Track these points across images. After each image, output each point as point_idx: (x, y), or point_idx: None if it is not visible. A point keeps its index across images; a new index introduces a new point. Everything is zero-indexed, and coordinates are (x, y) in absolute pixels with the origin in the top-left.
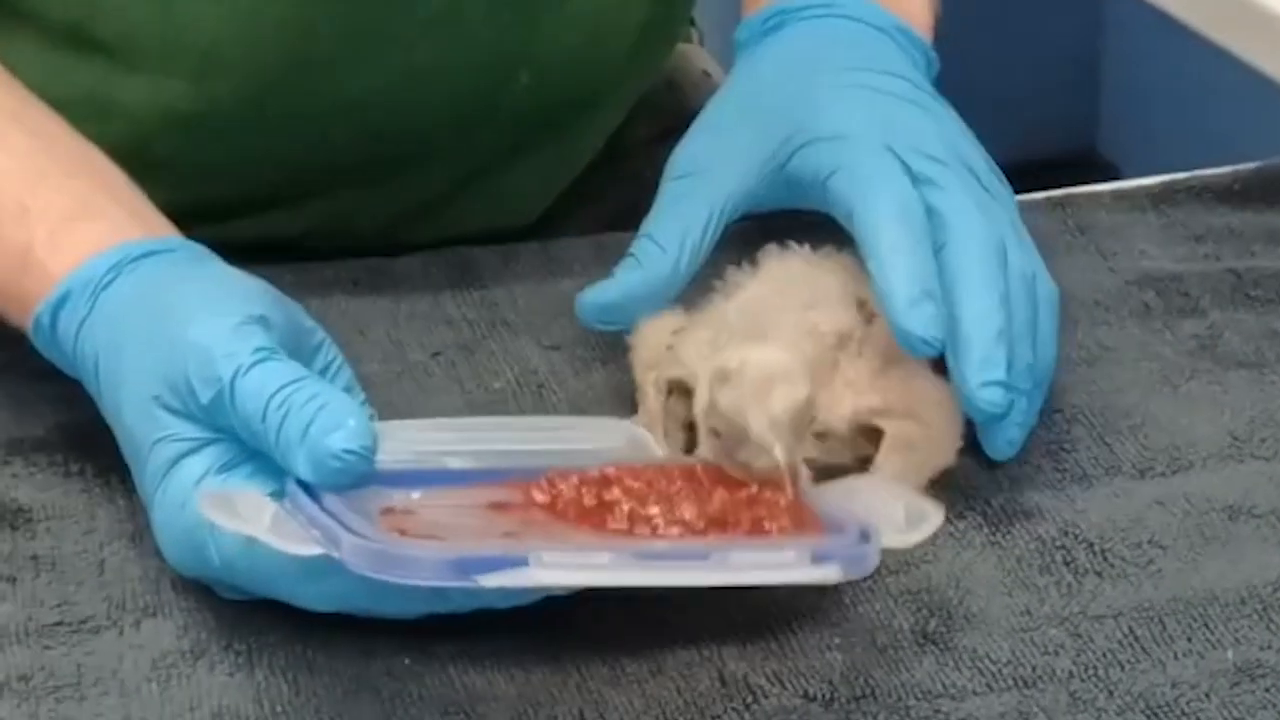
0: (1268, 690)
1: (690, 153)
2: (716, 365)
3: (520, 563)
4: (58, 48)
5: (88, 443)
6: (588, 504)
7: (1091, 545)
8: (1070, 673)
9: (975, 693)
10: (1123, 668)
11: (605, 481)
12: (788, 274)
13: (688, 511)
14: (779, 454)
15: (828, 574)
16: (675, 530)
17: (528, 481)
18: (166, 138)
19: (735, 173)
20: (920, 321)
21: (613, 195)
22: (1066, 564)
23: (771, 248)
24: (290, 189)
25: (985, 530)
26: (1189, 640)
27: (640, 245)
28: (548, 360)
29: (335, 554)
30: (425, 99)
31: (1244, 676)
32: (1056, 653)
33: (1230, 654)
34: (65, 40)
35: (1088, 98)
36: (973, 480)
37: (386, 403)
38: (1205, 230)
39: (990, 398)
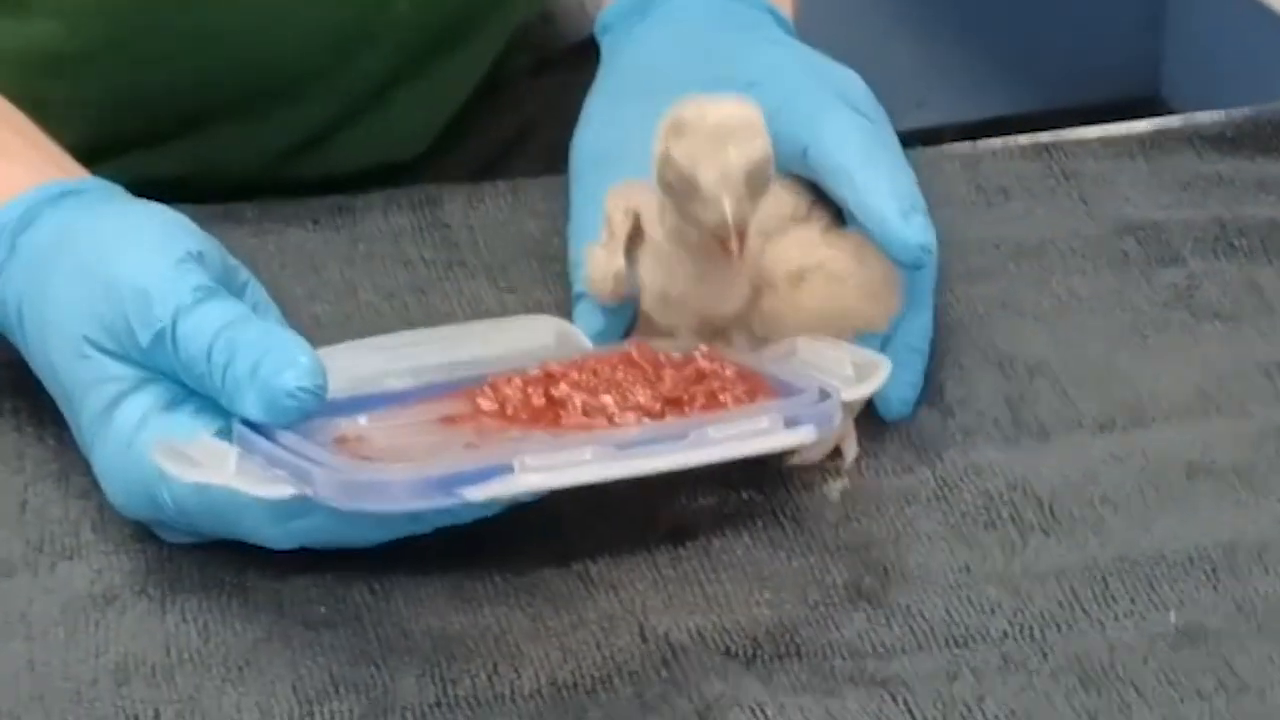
0: (1208, 655)
1: (591, 140)
2: (670, 116)
3: (505, 470)
4: None
5: (25, 382)
6: (537, 404)
7: (1040, 502)
8: (1005, 633)
9: (904, 651)
10: (1059, 629)
11: (550, 378)
12: None
13: (641, 395)
14: (727, 208)
15: (803, 435)
16: (632, 416)
17: (471, 390)
18: (35, 78)
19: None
20: (918, 229)
21: (493, 128)
22: (1013, 520)
23: None
24: (169, 127)
25: (933, 484)
26: (1131, 601)
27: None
28: (501, 303)
29: (307, 491)
30: (301, 28)
31: (1185, 640)
32: (992, 612)
33: (1173, 616)
34: None
35: (1151, 41)
36: (925, 433)
37: (333, 345)
38: (1193, 177)
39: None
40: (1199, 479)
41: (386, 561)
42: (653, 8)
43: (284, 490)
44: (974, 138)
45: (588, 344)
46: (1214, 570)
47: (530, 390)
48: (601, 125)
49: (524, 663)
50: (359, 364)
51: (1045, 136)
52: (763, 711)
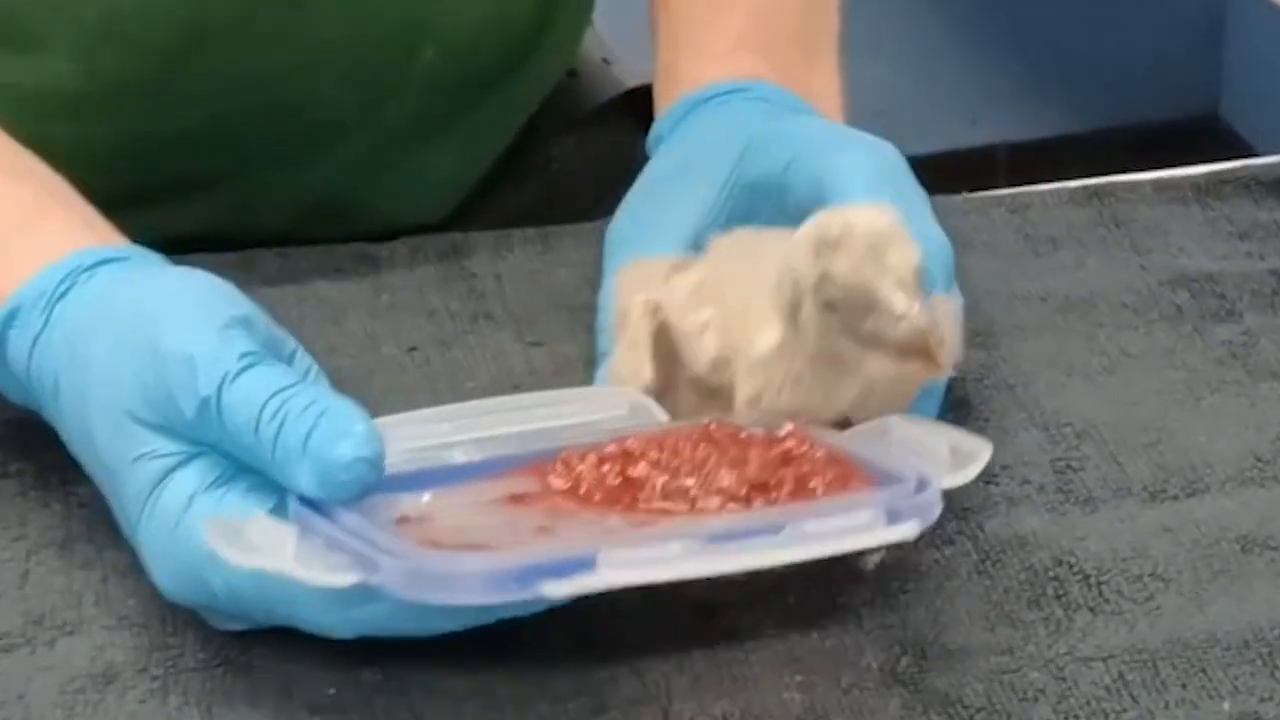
0: None
1: (625, 219)
2: (813, 234)
3: (586, 565)
4: None
5: (33, 443)
6: (613, 483)
7: (1088, 577)
8: None
9: None
10: (1107, 717)
11: (627, 456)
12: (742, 245)
13: (725, 478)
14: (920, 318)
15: (906, 531)
16: (716, 501)
17: (541, 466)
18: (51, 122)
19: (685, 214)
20: None
21: (519, 191)
22: (1058, 598)
23: (717, 233)
24: (191, 176)
25: (974, 557)
26: (1183, 688)
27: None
28: (527, 358)
29: (372, 580)
30: (327, 74)
31: None
32: (1036, 698)
33: (1227, 705)
34: None
35: (1211, 60)
36: (966, 501)
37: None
38: (1250, 226)
39: None
40: (1254, 553)
41: (398, 641)
42: (697, 112)
43: (346, 578)
44: (1028, 157)
45: (663, 417)
46: (1270, 654)
47: (606, 468)
48: (637, 204)
49: None
50: (420, 436)
51: (1096, 181)
52: None
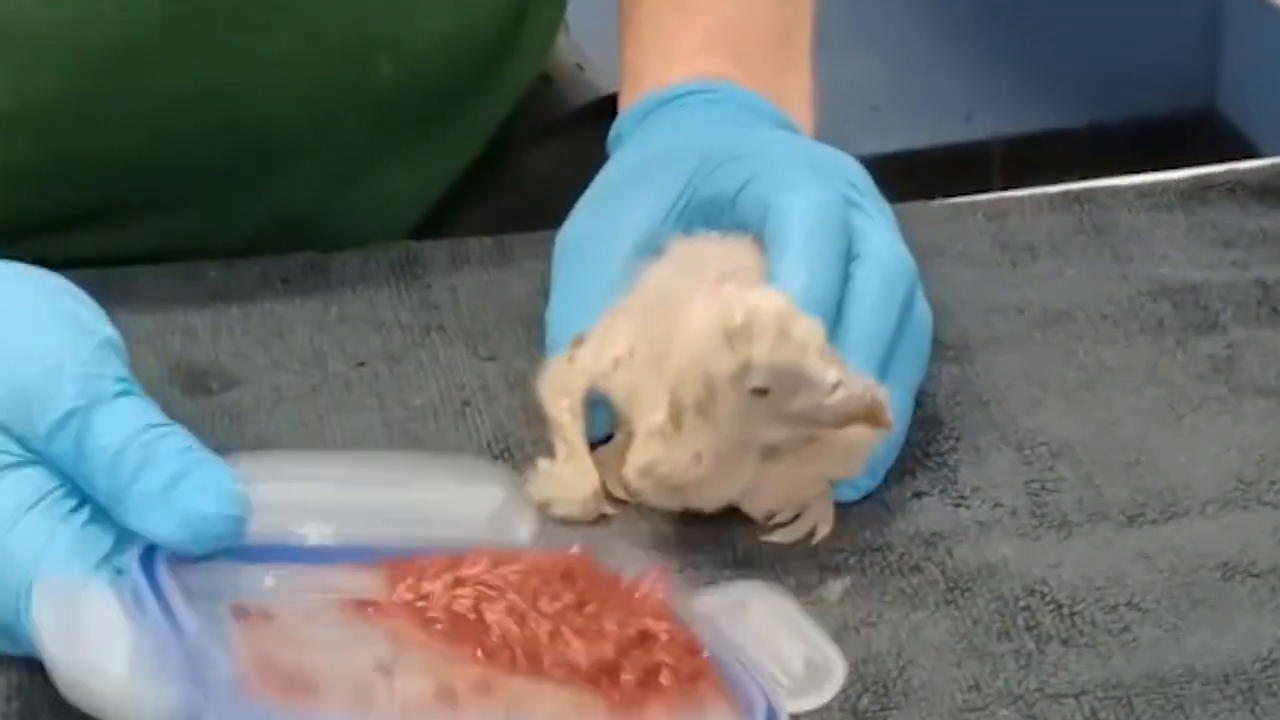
0: None
1: (577, 226)
2: (719, 326)
3: None
4: None
5: None
6: (461, 613)
7: (1060, 607)
8: None
9: None
10: None
11: (482, 592)
12: (696, 251)
13: (576, 650)
14: (855, 384)
15: None
16: (561, 672)
17: (392, 567)
18: None
19: (638, 223)
20: None
21: (491, 198)
22: (1029, 629)
23: (678, 235)
24: (137, 196)
25: (942, 585)
26: None
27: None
28: (479, 373)
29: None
30: (279, 92)
31: None
32: None
33: None
34: None
35: (1208, 53)
36: (935, 525)
37: (297, 420)
38: (1236, 234)
39: None
40: (1236, 581)
41: None
42: (660, 113)
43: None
44: (1023, 152)
45: (527, 518)
46: (1250, 689)
47: (457, 594)
48: (590, 210)
49: None
50: (281, 493)
51: (1077, 186)
52: None
